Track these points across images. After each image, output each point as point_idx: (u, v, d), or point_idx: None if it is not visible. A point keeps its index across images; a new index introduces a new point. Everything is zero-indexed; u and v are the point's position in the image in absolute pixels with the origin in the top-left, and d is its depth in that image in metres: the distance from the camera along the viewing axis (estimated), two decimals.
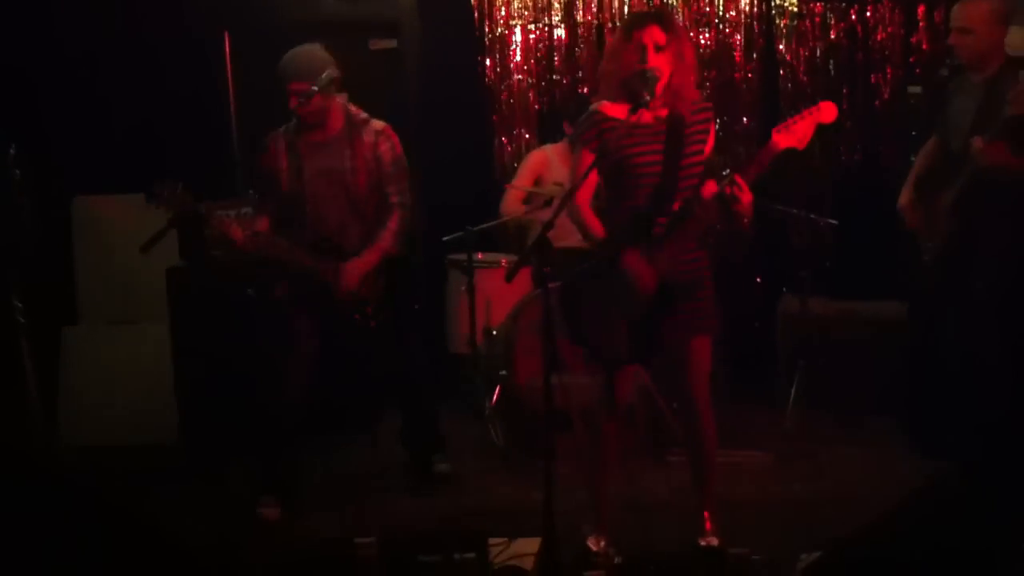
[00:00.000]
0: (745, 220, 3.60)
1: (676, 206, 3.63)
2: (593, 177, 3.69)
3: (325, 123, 4.41)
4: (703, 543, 3.90)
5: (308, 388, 4.51)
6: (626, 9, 6.47)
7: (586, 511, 4.05)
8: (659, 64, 3.58)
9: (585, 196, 3.74)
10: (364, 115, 4.54)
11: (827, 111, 3.55)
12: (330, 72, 4.33)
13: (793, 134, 3.52)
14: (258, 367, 4.73)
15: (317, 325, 4.48)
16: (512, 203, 5.80)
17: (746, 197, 3.51)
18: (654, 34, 3.58)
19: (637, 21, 3.66)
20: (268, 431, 4.56)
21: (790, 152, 3.55)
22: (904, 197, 4.83)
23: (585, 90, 6.44)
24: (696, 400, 3.84)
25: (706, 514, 3.93)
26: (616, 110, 3.67)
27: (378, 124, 4.52)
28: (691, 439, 3.95)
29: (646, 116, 3.62)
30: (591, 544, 3.94)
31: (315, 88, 4.26)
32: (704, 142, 3.72)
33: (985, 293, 4.52)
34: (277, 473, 4.55)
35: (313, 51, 4.39)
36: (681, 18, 6.25)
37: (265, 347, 4.67)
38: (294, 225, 4.44)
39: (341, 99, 4.53)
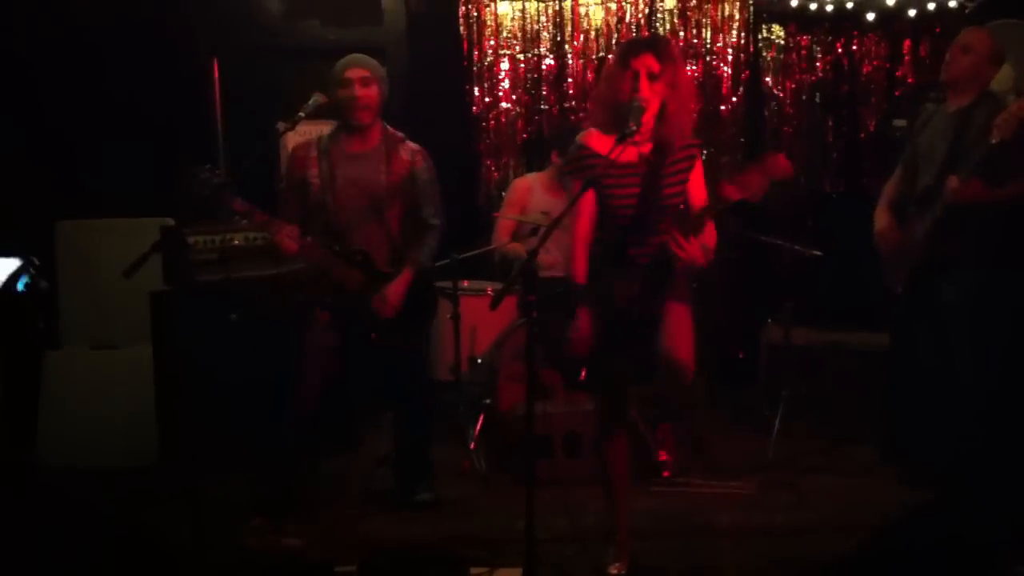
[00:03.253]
0: (690, 271, 3.58)
1: (654, 240, 3.62)
2: (590, 209, 3.69)
3: (367, 135, 4.42)
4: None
5: (319, 407, 4.46)
6: (613, 40, 6.54)
7: (568, 540, 4.04)
8: (652, 93, 3.57)
9: (584, 231, 3.72)
10: (400, 134, 4.55)
11: (780, 168, 3.44)
12: (317, 98, 4.31)
13: (746, 188, 3.43)
14: (269, 387, 4.64)
15: (340, 343, 4.44)
16: (503, 234, 5.80)
17: (688, 252, 3.48)
18: (648, 62, 3.58)
19: (633, 48, 3.65)
20: (275, 451, 4.47)
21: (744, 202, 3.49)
22: (882, 222, 4.84)
23: (573, 119, 6.50)
24: (679, 357, 3.67)
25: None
26: (602, 141, 3.66)
27: (413, 144, 4.53)
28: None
29: (630, 152, 3.60)
30: (612, 571, 3.92)
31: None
32: (684, 182, 3.67)
33: (955, 312, 4.53)
34: (277, 493, 4.46)
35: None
36: None
37: (282, 364, 4.58)
38: (318, 235, 4.38)
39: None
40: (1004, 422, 4.48)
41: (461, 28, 6.58)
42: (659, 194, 3.62)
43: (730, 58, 6.61)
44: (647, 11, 6.58)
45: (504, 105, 6.66)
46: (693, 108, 3.75)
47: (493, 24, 6.59)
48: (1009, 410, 4.51)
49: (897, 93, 6.55)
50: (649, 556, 4.07)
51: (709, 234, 3.62)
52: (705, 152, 6.52)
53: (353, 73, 4.34)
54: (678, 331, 3.69)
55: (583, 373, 3.69)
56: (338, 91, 4.35)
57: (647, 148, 3.66)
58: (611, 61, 3.80)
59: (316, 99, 4.35)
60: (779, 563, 4.11)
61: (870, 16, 6.45)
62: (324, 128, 4.59)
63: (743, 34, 6.60)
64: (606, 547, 3.99)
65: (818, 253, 5.38)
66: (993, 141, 4.26)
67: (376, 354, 4.55)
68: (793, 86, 6.67)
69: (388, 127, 4.52)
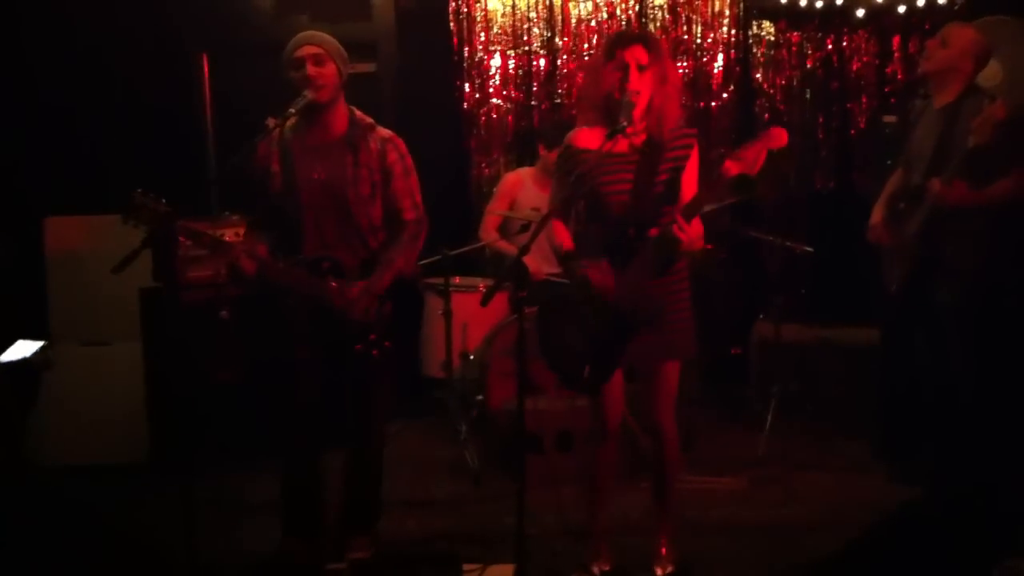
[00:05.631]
0: (690, 256, 3.57)
1: (652, 228, 3.60)
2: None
3: (328, 122, 3.97)
4: (658, 571, 3.91)
5: (315, 416, 4.13)
6: (604, 36, 6.53)
7: (560, 536, 4.02)
8: (641, 84, 3.55)
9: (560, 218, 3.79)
10: (370, 120, 4.08)
11: (777, 136, 3.38)
12: (307, 94, 4.10)
13: (744, 161, 3.37)
14: (261, 394, 4.42)
15: (318, 354, 4.01)
16: (490, 228, 5.80)
17: (690, 233, 3.43)
18: (637, 53, 3.54)
19: (620, 40, 3.61)
20: (286, 464, 4.20)
21: (744, 178, 3.41)
22: (876, 215, 4.84)
23: (564, 115, 6.50)
24: (662, 423, 3.82)
25: (663, 539, 3.94)
26: (590, 137, 3.65)
27: (384, 131, 4.07)
28: (655, 462, 3.92)
29: (622, 144, 3.59)
30: (595, 570, 3.93)
31: (292, 111, 3.91)
32: (680, 170, 3.63)
33: (948, 312, 4.52)
34: (297, 508, 4.19)
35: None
36: None
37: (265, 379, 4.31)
38: (285, 239, 3.98)
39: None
40: (998, 421, 4.49)
41: (451, 24, 6.57)
42: (654, 182, 3.61)
43: (720, 54, 6.61)
44: (637, 7, 6.58)
45: (495, 101, 6.65)
46: (680, 100, 3.71)
47: (483, 20, 6.58)
48: (1004, 409, 4.51)
49: (887, 89, 6.56)
50: (639, 551, 4.08)
51: (696, 225, 3.54)
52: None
53: (304, 51, 3.89)
54: (666, 396, 3.79)
55: (587, 370, 3.66)
56: (291, 73, 3.93)
57: (639, 140, 3.64)
58: (596, 55, 3.78)
59: (307, 95, 4.27)
60: (769, 559, 4.12)
61: (860, 13, 6.45)
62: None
63: (733, 30, 6.60)
64: (588, 546, 3.98)
65: (809, 249, 5.38)
66: (971, 144, 4.25)
67: (362, 367, 4.04)
68: (783, 82, 6.67)
69: (356, 112, 4.08)
